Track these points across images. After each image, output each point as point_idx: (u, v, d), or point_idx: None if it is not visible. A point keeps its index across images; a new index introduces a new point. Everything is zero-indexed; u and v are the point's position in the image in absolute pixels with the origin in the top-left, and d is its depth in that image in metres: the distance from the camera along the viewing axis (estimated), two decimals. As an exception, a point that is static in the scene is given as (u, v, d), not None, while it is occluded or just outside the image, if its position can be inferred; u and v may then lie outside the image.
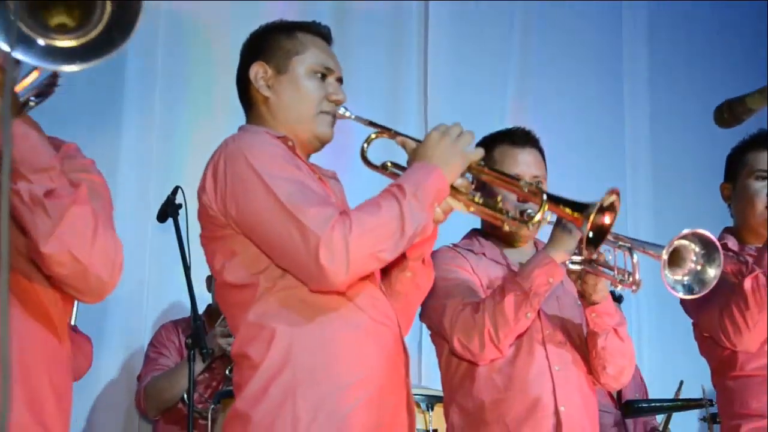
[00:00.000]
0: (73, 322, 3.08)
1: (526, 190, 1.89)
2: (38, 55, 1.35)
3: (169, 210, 2.74)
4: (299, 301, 1.74)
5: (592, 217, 1.80)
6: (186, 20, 3.90)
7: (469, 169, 1.85)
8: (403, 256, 1.89)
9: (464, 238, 2.50)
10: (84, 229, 1.51)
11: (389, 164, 1.97)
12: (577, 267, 2.21)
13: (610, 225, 1.89)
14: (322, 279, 1.68)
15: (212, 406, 2.82)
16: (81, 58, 1.36)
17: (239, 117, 2.00)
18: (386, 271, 1.95)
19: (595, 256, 2.17)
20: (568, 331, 2.35)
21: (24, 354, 1.54)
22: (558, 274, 2.20)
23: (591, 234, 1.84)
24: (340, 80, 1.96)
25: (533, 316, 2.22)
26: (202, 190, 1.79)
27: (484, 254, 2.43)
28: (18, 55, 1.31)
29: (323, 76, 1.92)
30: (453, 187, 1.83)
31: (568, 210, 1.85)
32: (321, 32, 1.99)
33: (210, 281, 3.26)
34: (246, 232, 1.76)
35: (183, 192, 2.76)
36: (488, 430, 2.27)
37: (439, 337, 2.35)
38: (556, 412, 2.24)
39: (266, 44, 1.95)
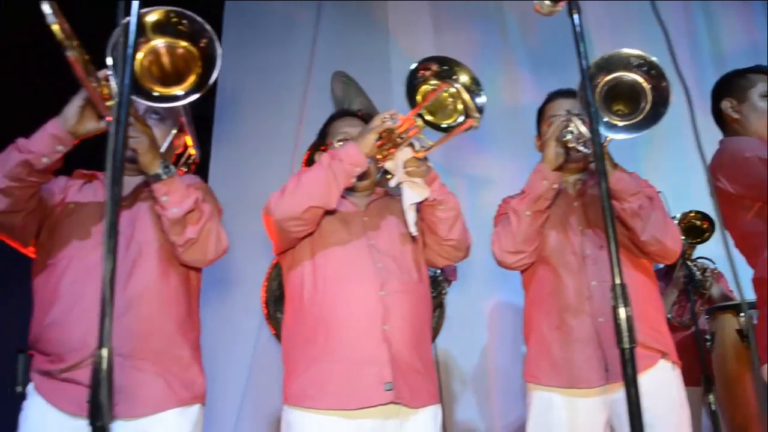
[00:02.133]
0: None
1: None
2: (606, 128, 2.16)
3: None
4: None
5: None
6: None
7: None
8: None
9: None
10: None
11: None
12: None
13: None
14: None
15: (706, 317, 3.63)
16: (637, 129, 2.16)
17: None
18: None
19: None
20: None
21: None
22: None
23: None
24: None
25: None
26: (717, 180, 2.41)
27: None
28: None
29: None
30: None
31: None
32: (764, 69, 2.58)
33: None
34: (748, 195, 2.35)
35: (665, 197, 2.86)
36: None
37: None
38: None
39: (729, 85, 2.63)
